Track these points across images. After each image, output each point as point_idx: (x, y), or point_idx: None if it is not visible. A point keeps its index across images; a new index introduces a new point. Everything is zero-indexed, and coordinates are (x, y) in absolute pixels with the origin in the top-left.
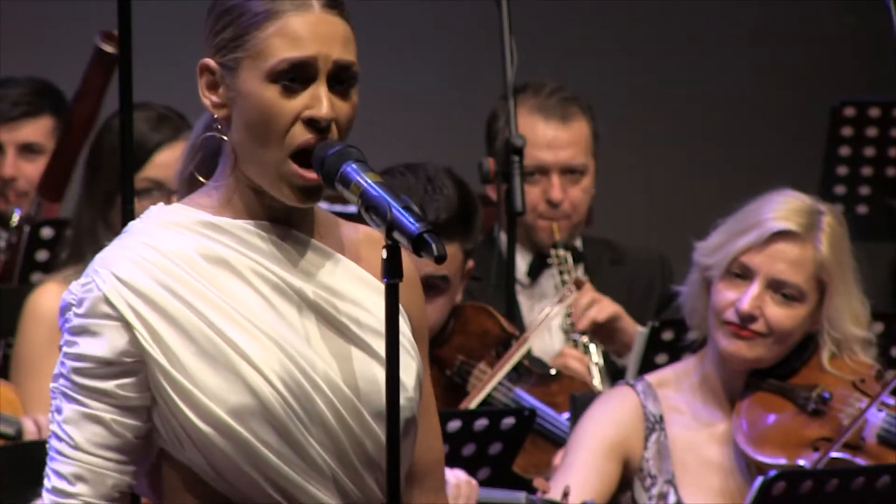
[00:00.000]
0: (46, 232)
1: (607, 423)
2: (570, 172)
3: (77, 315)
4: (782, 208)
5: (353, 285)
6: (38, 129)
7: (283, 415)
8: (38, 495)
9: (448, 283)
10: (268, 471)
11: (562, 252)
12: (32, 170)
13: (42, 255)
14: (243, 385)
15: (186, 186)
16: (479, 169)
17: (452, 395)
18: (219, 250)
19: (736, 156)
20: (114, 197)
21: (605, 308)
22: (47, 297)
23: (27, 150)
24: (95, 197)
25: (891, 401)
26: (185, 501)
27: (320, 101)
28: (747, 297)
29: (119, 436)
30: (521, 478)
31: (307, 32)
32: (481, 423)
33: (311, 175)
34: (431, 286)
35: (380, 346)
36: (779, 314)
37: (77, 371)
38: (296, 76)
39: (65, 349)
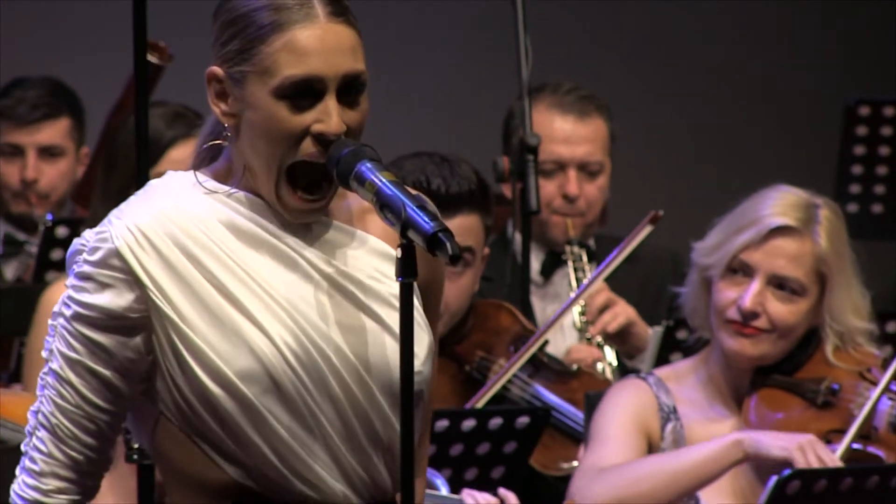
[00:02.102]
0: (62, 231)
1: (627, 404)
2: (587, 169)
3: (87, 262)
4: (779, 204)
5: (366, 255)
6: (58, 131)
7: (290, 383)
8: None
9: (473, 255)
10: (273, 440)
11: (576, 249)
12: (53, 172)
13: (57, 255)
14: (249, 351)
15: None
16: (494, 168)
17: (472, 391)
18: (236, 218)
19: (750, 155)
20: (128, 193)
21: (619, 317)
22: (60, 294)
23: (47, 152)
24: (110, 193)
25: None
26: (183, 478)
27: (330, 115)
28: (749, 294)
29: (116, 392)
30: (539, 473)
31: (314, 47)
32: (496, 422)
33: (306, 205)
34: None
35: (391, 317)
36: (781, 310)
37: (80, 318)
38: (304, 92)
39: (70, 292)
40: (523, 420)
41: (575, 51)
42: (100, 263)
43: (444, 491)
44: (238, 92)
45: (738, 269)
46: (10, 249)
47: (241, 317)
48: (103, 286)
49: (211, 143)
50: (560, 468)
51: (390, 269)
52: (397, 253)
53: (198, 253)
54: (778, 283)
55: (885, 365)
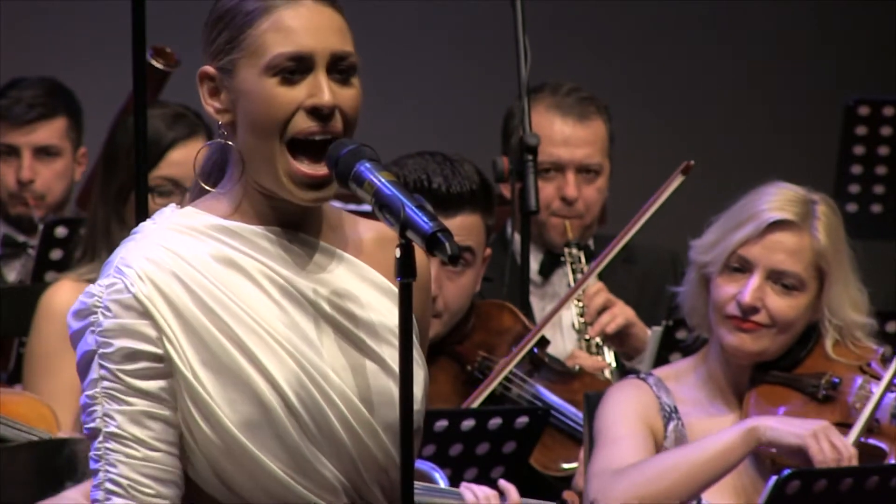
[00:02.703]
0: (60, 231)
1: (631, 402)
2: (586, 171)
3: (109, 317)
4: (776, 199)
5: (364, 289)
6: (54, 131)
7: (293, 429)
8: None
9: (474, 255)
10: (274, 485)
11: (575, 251)
12: (49, 173)
13: (56, 254)
14: (254, 397)
15: (197, 193)
16: (493, 168)
17: (473, 391)
18: (232, 255)
19: (750, 155)
20: (128, 194)
21: (617, 318)
22: (61, 295)
23: (43, 152)
24: (109, 194)
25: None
26: None
27: (321, 89)
28: (748, 289)
29: (177, 429)
30: (539, 474)
31: (301, 25)
32: (495, 421)
33: (311, 171)
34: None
35: (391, 355)
36: (780, 304)
37: (126, 372)
38: (294, 68)
39: (102, 351)
40: (523, 420)
41: (573, 50)
42: (123, 313)
43: (442, 484)
44: (230, 82)
45: (737, 265)
46: (9, 251)
47: (245, 361)
48: (137, 333)
49: (207, 144)
50: (560, 469)
51: (387, 304)
52: (396, 253)
53: (202, 296)
54: (777, 278)
55: (886, 360)
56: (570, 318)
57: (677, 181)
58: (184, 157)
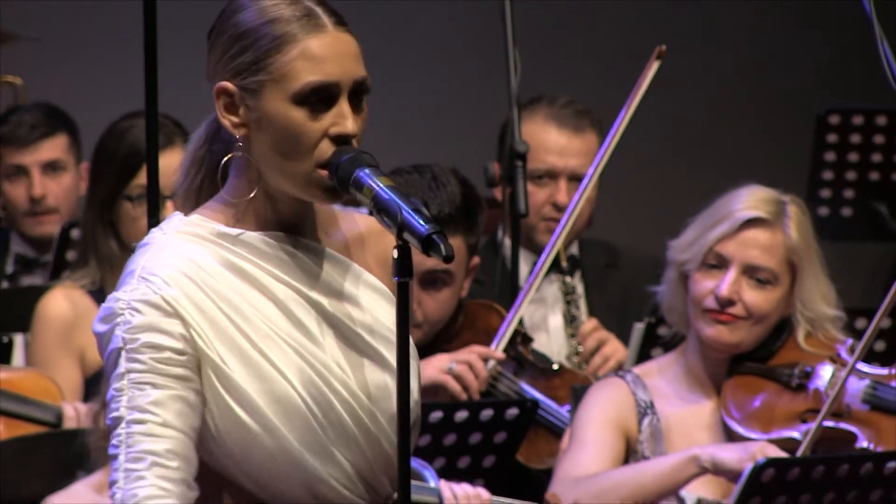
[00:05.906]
0: (76, 233)
1: (606, 404)
2: (577, 180)
3: (137, 315)
4: (750, 199)
5: (363, 292)
6: (58, 147)
7: (313, 422)
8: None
9: (452, 276)
10: (303, 473)
11: (568, 279)
12: (57, 187)
13: (73, 255)
14: (274, 394)
15: (193, 199)
16: (485, 173)
17: None
18: (237, 262)
19: (726, 161)
20: (113, 201)
21: (609, 361)
22: (55, 303)
23: (50, 167)
24: (96, 201)
25: (865, 368)
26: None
27: (346, 118)
28: (725, 283)
29: (198, 417)
30: (524, 467)
31: (328, 54)
32: (487, 413)
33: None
34: (435, 280)
35: (390, 353)
36: (756, 298)
37: (158, 360)
38: (321, 97)
39: (130, 346)
40: (513, 412)
41: (555, 56)
42: (151, 312)
43: (433, 483)
44: (253, 102)
45: (714, 262)
46: (20, 268)
47: (264, 362)
48: (164, 330)
49: (227, 158)
50: (544, 462)
51: (385, 306)
52: (393, 254)
53: (217, 301)
54: (752, 273)
55: (853, 349)
56: (555, 320)
57: (654, 67)
58: (163, 166)
